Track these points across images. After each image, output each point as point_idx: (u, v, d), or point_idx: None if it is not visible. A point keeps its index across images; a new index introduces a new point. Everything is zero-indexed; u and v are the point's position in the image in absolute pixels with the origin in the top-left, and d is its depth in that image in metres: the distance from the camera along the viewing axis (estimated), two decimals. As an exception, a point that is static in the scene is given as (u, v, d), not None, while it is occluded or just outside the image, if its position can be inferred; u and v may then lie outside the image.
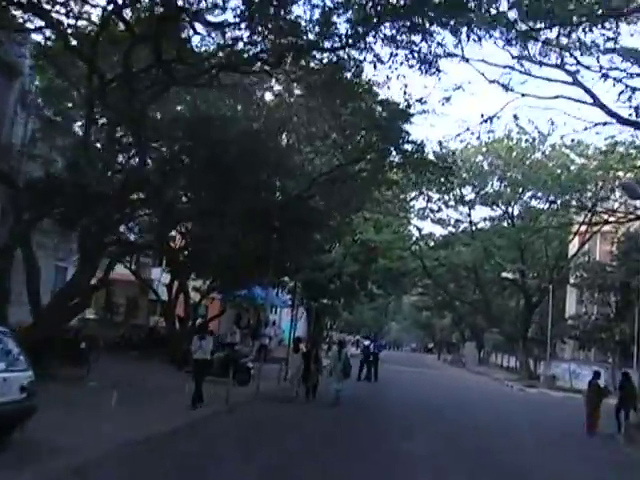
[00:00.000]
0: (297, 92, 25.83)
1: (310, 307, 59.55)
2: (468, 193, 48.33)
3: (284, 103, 26.69)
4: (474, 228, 50.42)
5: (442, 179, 29.44)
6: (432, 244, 53.23)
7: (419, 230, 52.13)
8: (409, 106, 23.75)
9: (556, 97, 20.50)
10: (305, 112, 26.00)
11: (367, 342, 39.37)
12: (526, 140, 42.40)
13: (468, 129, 23.47)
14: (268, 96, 27.36)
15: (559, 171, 42.61)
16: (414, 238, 52.50)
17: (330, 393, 23.81)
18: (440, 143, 23.36)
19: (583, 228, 46.11)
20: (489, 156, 44.02)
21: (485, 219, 51.80)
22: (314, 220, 31.44)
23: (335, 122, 24.82)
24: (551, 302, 41.89)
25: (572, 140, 40.48)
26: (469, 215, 50.08)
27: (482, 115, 22.78)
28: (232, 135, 23.82)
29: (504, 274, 42.75)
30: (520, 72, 22.11)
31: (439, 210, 51.01)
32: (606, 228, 44.90)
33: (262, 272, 32.94)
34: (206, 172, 24.33)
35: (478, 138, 41.40)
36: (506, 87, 20.77)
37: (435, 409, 26.28)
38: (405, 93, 24.17)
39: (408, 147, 24.62)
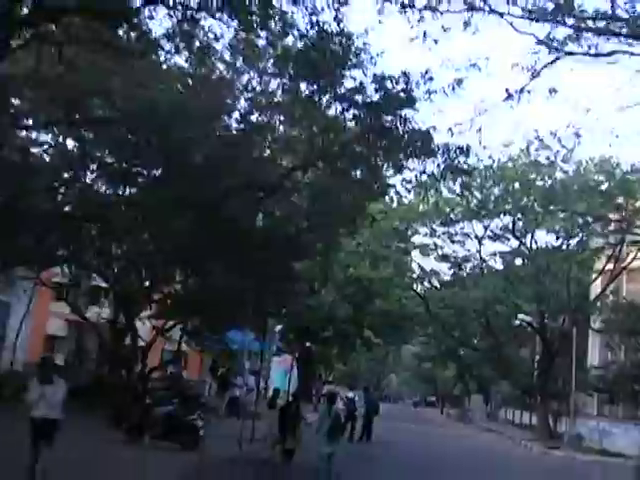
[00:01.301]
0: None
1: (301, 356, 53.80)
2: (476, 223, 42.86)
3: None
4: (483, 265, 44.70)
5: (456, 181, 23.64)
6: (436, 283, 47.24)
7: (421, 268, 46.24)
8: (408, 83, 18.36)
9: (611, 53, 15.11)
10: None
11: (351, 394, 32.63)
12: (547, 157, 36.96)
13: (486, 111, 17.81)
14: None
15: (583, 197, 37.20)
16: (415, 275, 46.56)
17: (319, 458, 18.11)
18: (451, 131, 17.93)
19: (607, 266, 40.54)
20: (501, 182, 38.63)
21: (495, 254, 46.20)
22: (299, 247, 26.07)
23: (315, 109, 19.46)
24: (575, 349, 36.06)
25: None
26: (478, 251, 44.44)
27: (507, 90, 16.91)
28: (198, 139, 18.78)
29: (520, 316, 36.99)
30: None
31: (442, 247, 45.53)
32: (634, 264, 39.46)
33: (239, 313, 27.64)
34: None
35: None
36: (547, 44, 15.33)
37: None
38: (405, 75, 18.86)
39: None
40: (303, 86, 19.68)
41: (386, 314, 44.79)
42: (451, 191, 39.71)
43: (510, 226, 41.16)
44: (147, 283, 27.72)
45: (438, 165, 18.71)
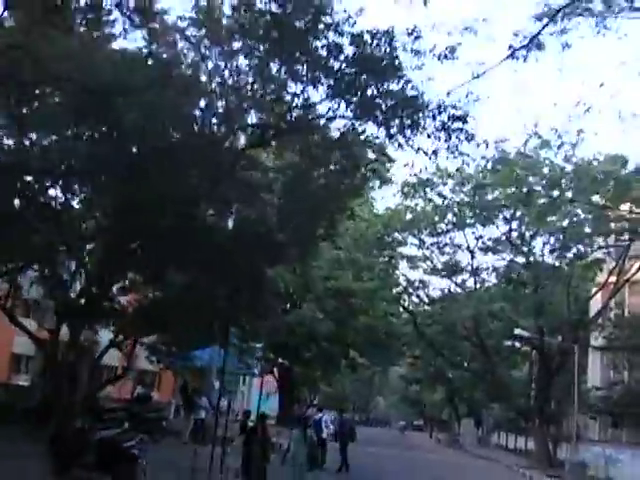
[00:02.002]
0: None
1: (282, 377, 50.42)
2: (468, 232, 39.71)
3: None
4: (476, 279, 41.38)
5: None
6: (425, 297, 43.68)
7: (408, 280, 42.68)
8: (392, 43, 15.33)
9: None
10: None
11: (320, 415, 27.30)
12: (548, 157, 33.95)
13: (484, 73, 14.82)
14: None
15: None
16: (402, 288, 43.02)
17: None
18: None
19: (610, 279, 37.46)
20: (495, 189, 35.66)
21: (488, 268, 42.97)
22: (271, 249, 22.88)
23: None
24: (577, 367, 32.88)
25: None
26: (470, 264, 41.12)
27: (510, 47, 13.91)
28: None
29: (517, 331, 33.79)
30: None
31: (431, 259, 42.27)
32: (638, 276, 36.46)
33: (203, 327, 24.60)
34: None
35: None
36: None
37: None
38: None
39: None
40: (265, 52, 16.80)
41: (370, 330, 41.46)
42: (440, 196, 36.88)
43: (506, 235, 37.96)
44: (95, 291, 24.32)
45: (429, 135, 15.63)
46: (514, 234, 39.63)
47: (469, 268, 41.52)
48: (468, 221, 38.41)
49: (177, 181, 17.72)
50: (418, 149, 16.05)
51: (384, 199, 40.25)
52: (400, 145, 16.48)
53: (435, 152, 16.19)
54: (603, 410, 37.27)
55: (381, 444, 46.98)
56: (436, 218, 37.88)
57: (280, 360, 49.02)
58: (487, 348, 40.62)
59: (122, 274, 23.05)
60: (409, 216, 37.45)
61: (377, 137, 17.32)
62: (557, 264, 38.32)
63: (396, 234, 39.08)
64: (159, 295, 25.67)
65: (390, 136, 16.44)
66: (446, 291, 44.19)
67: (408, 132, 16.05)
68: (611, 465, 32.66)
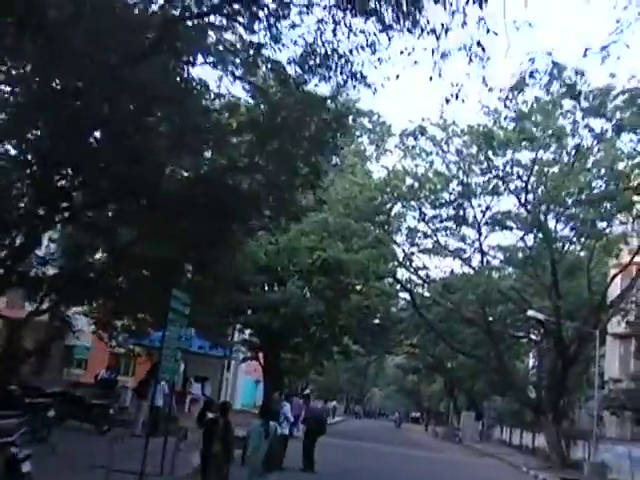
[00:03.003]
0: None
1: (267, 364, 46.08)
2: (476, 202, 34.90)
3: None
4: (484, 259, 36.60)
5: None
6: (424, 276, 38.59)
7: (405, 253, 37.50)
8: None
9: None
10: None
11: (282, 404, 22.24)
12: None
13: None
14: None
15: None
16: (397, 262, 37.86)
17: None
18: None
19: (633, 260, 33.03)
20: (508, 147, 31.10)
21: (494, 248, 38.35)
22: (237, 205, 18.65)
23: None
24: (598, 356, 28.53)
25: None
26: (478, 239, 36.30)
27: None
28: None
29: (531, 312, 29.38)
30: None
31: (434, 234, 37.49)
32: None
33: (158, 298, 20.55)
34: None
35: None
36: None
37: None
38: None
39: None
40: None
41: (364, 312, 36.98)
42: (445, 161, 32.49)
43: (523, 204, 33.23)
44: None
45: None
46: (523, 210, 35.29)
47: (476, 245, 36.92)
48: (475, 190, 33.94)
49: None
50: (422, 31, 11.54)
51: (383, 157, 33.52)
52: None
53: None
54: (626, 405, 32.97)
55: (372, 439, 42.84)
56: (439, 186, 33.39)
57: (265, 345, 44.89)
58: (494, 333, 36.17)
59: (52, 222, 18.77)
60: (409, 181, 32.93)
61: (366, 33, 12.85)
62: (575, 240, 33.96)
63: (393, 204, 34.54)
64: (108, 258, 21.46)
65: (384, 27, 12.06)
66: (448, 272, 39.59)
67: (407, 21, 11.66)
68: (636, 467, 28.39)
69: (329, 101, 18.04)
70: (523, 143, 30.24)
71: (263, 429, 14.85)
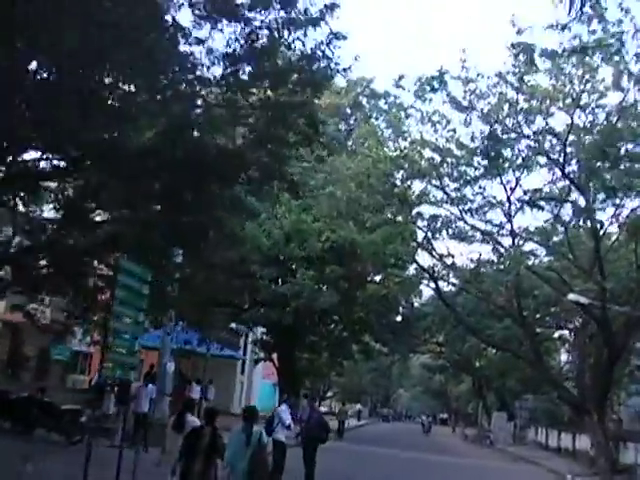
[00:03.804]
0: None
1: (282, 364, 42.73)
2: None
3: None
4: (514, 243, 32.37)
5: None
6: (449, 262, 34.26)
7: (426, 234, 31.84)
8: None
9: None
10: None
11: (279, 407, 18.47)
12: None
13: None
14: None
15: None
16: (416, 243, 32.34)
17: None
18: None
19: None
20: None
21: (524, 230, 34.19)
22: (218, 165, 15.31)
23: None
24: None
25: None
26: (509, 221, 32.12)
27: None
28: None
29: (572, 296, 25.63)
30: None
31: (459, 217, 33.47)
32: None
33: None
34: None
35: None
36: None
37: None
38: None
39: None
40: None
41: (382, 304, 33.17)
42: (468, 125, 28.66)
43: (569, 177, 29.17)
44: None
45: None
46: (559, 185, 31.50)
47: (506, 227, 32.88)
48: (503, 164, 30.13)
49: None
50: None
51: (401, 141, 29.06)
52: None
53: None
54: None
55: (395, 444, 39.33)
56: (462, 160, 29.64)
57: (278, 344, 41.57)
58: (528, 325, 32.22)
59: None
60: (427, 154, 29.07)
61: None
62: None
63: (411, 181, 30.71)
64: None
65: None
66: (475, 259, 35.44)
67: None
68: None
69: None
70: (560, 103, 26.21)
71: (244, 435, 11.57)
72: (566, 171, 29.23)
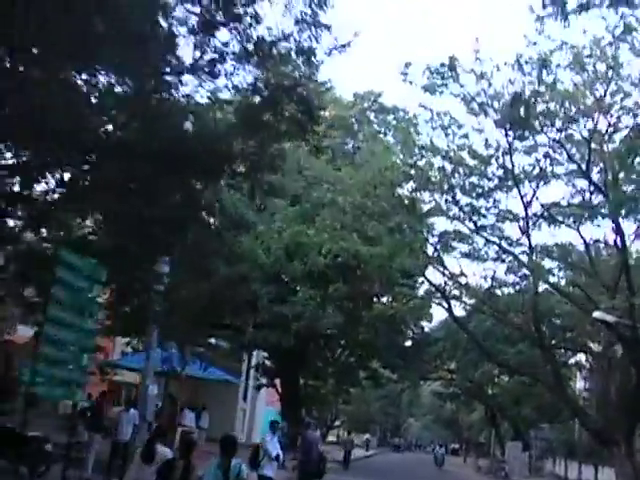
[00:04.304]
0: None
1: (285, 391, 40.52)
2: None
3: None
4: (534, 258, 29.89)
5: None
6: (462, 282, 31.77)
7: (437, 248, 29.42)
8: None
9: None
10: None
11: (266, 436, 16.35)
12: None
13: None
14: None
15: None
16: (426, 256, 30.46)
17: None
18: None
19: None
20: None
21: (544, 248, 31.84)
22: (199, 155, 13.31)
23: None
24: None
25: None
26: (527, 236, 29.62)
27: None
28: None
29: (598, 314, 23.42)
30: None
31: (475, 231, 31.12)
32: None
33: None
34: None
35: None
36: None
37: None
38: None
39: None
40: None
41: (389, 324, 30.93)
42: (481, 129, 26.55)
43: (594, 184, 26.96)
44: None
45: None
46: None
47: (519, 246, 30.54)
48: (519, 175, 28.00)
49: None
50: None
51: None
52: None
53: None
54: None
55: (408, 478, 36.87)
56: (475, 170, 27.53)
57: (280, 369, 39.39)
58: (548, 347, 29.77)
59: None
60: (438, 162, 26.84)
61: None
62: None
63: (420, 192, 28.53)
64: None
65: None
66: (488, 277, 33.05)
67: None
68: None
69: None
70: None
71: (220, 471, 9.50)
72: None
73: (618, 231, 25.68)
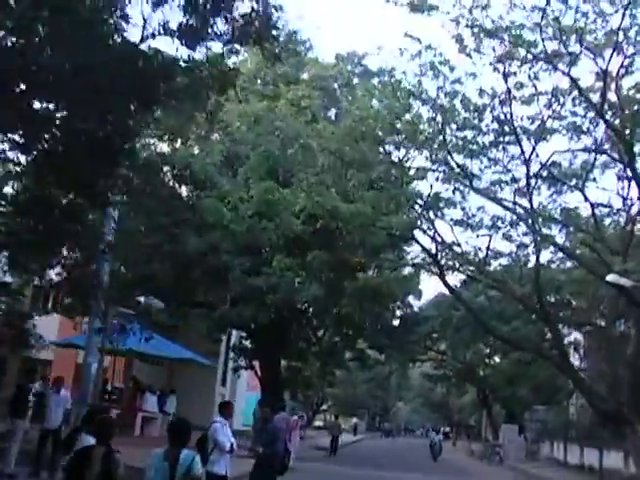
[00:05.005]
0: None
1: (265, 374, 37.59)
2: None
3: None
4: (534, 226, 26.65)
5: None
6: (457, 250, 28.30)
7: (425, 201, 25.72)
8: None
9: None
10: None
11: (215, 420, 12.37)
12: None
13: None
14: None
15: None
16: (416, 212, 26.08)
17: None
18: None
19: None
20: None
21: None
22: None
23: None
24: None
25: None
26: (529, 200, 26.31)
27: None
28: None
29: (611, 277, 20.52)
30: None
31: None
32: None
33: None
34: None
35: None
36: None
37: None
38: None
39: None
40: None
41: (374, 298, 27.69)
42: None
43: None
44: None
45: None
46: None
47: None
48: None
49: None
50: None
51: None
52: None
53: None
54: None
55: (399, 465, 34.21)
56: (468, 123, 24.44)
57: (259, 350, 36.39)
58: (552, 320, 26.70)
59: None
60: (427, 113, 23.65)
61: None
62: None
63: (407, 150, 25.37)
64: None
65: None
66: (483, 249, 29.93)
67: None
68: None
69: None
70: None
71: (167, 463, 7.57)
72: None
73: (635, 176, 22.68)
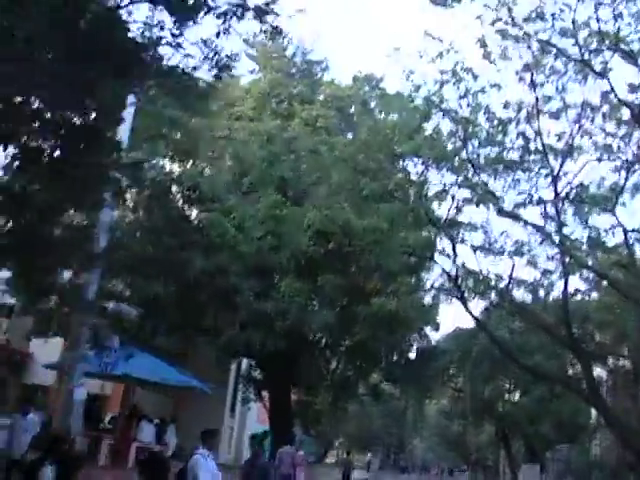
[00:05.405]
0: None
1: (275, 407, 35.83)
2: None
3: None
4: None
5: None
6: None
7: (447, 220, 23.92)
8: None
9: None
10: None
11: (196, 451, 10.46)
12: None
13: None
14: None
15: None
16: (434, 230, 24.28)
17: None
18: None
19: None
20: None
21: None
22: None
23: None
24: None
25: None
26: (558, 221, 24.47)
27: None
28: None
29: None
30: None
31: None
32: None
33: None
34: None
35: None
36: None
37: None
38: None
39: None
40: None
41: (388, 318, 25.60)
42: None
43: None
44: None
45: None
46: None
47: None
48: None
49: None
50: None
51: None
52: None
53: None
54: None
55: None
56: (492, 138, 22.87)
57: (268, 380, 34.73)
58: (583, 350, 24.63)
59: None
60: (448, 125, 22.07)
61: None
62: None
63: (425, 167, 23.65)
64: None
65: None
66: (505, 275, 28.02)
67: None
68: None
69: None
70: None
71: None
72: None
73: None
